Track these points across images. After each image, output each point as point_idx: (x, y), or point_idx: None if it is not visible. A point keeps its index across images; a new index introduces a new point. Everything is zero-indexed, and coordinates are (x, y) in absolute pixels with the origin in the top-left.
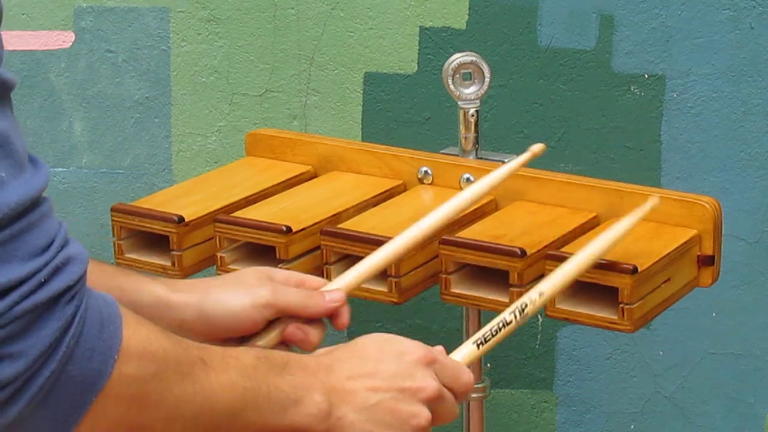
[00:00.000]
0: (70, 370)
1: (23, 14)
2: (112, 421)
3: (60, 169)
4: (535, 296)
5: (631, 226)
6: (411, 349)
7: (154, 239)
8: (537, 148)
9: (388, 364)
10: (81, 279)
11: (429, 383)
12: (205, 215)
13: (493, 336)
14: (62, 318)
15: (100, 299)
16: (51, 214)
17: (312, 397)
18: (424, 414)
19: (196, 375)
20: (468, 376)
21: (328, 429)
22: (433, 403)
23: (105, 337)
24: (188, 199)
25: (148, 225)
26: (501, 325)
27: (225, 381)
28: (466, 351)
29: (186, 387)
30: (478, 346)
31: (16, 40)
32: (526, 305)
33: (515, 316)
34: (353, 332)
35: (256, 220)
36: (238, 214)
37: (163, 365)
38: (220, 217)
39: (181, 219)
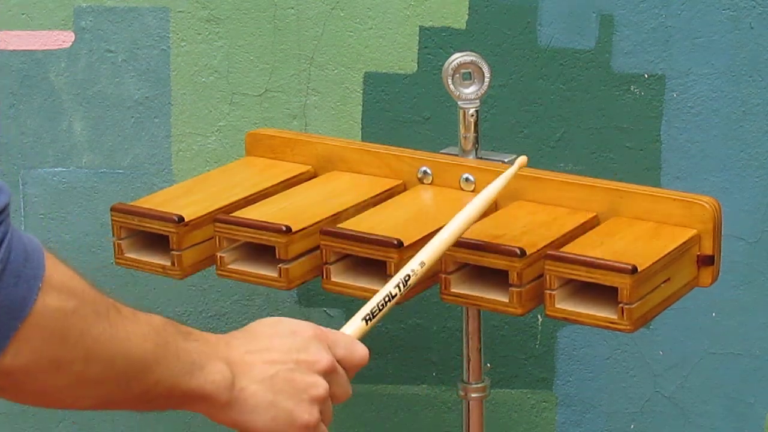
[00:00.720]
0: None
1: (23, 14)
2: (33, 353)
3: (60, 169)
4: (417, 267)
5: (501, 188)
6: (303, 327)
7: (154, 239)
8: (522, 160)
9: (283, 340)
10: (6, 208)
11: (323, 356)
12: (205, 215)
13: (380, 310)
14: None
15: (23, 234)
16: None
17: (216, 365)
18: (321, 384)
19: (112, 319)
20: (363, 349)
21: (231, 399)
22: (328, 375)
23: (30, 266)
24: (188, 199)
25: (148, 225)
26: (387, 299)
27: (138, 331)
28: (356, 326)
29: (103, 328)
30: (366, 321)
31: (16, 40)
32: (410, 276)
33: (399, 289)
34: None
35: (256, 220)
36: (238, 214)
37: (83, 302)
38: (220, 217)
39: (181, 219)
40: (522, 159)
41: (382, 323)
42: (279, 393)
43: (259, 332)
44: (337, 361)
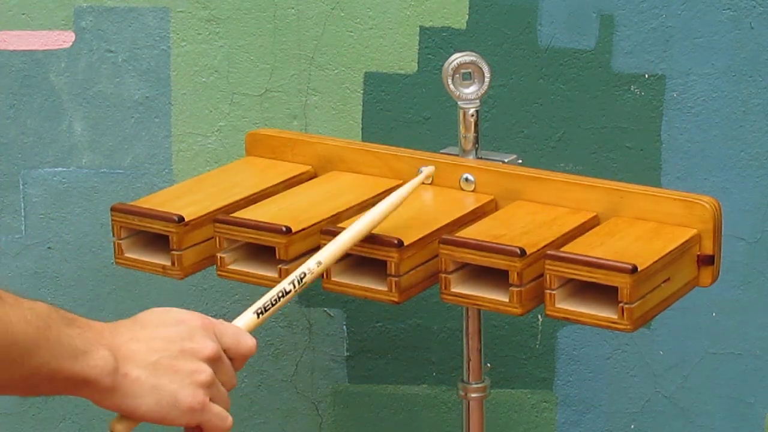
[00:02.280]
0: None
1: (23, 14)
2: None
3: (60, 169)
4: (313, 265)
5: (407, 195)
6: (190, 316)
7: (154, 239)
8: (430, 170)
9: (169, 329)
10: None
11: (208, 344)
12: (205, 215)
13: (272, 305)
14: None
15: None
16: None
17: (98, 351)
18: (206, 370)
19: None
20: (250, 340)
21: (114, 384)
22: (213, 363)
23: None
24: (188, 199)
25: (148, 225)
26: (280, 294)
27: (21, 316)
28: (247, 319)
29: None
30: (258, 315)
31: (16, 40)
32: (305, 274)
33: (294, 286)
34: (354, 332)
35: (256, 221)
36: (238, 214)
37: None
38: (220, 217)
39: (181, 219)
40: (430, 169)
41: (382, 323)
42: (162, 377)
43: (146, 321)
44: (224, 351)
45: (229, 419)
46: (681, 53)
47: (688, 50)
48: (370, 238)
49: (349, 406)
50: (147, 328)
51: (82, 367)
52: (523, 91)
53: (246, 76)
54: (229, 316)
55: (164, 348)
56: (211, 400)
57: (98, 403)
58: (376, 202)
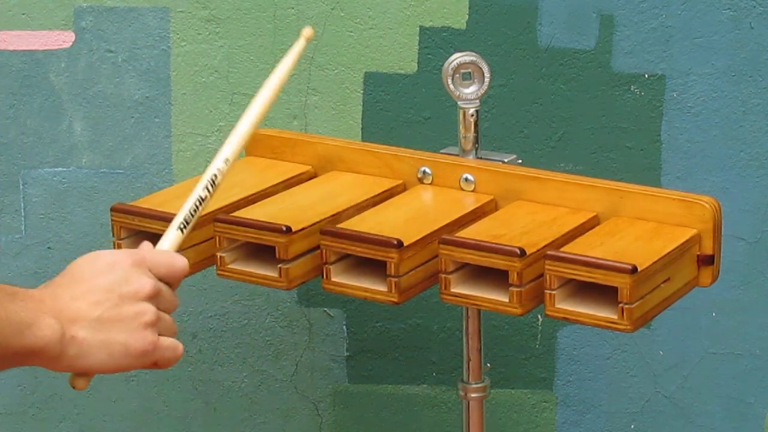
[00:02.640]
0: None
1: (23, 14)
2: None
3: (60, 169)
4: (222, 165)
5: (294, 65)
6: (119, 257)
7: (153, 239)
8: (308, 32)
9: (103, 278)
10: None
11: (145, 282)
12: (205, 215)
13: (192, 216)
14: None
15: None
16: None
17: (44, 320)
18: (149, 309)
19: None
20: (182, 261)
21: (63, 349)
22: (154, 299)
23: None
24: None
25: (148, 225)
26: (198, 202)
27: None
28: (172, 237)
29: None
30: (181, 230)
31: (16, 40)
32: (216, 176)
33: (209, 190)
34: (354, 332)
35: (256, 220)
36: (238, 213)
37: None
38: (220, 217)
39: None
40: (307, 31)
41: (382, 323)
42: (109, 330)
43: (79, 274)
44: (161, 279)
45: (180, 347)
46: (681, 53)
47: (688, 50)
48: (370, 239)
49: (349, 406)
50: (83, 282)
51: (30, 340)
52: (523, 91)
53: (246, 76)
54: (229, 316)
55: (104, 299)
56: (159, 334)
57: (52, 368)
58: (376, 202)
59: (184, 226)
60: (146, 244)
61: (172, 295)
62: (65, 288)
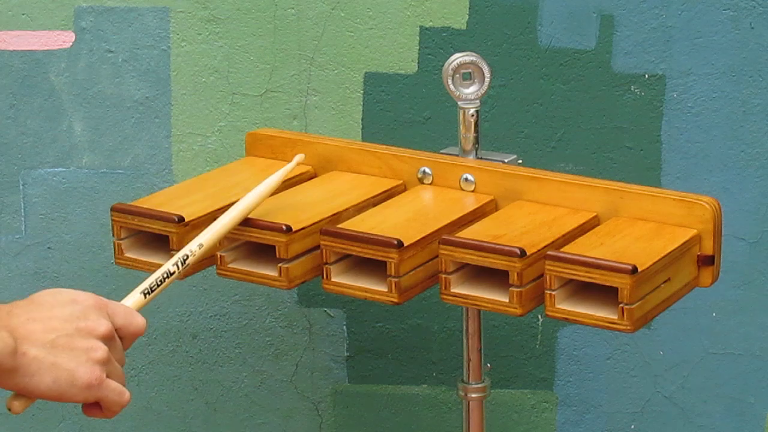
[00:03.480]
0: None
1: (23, 14)
2: None
3: (60, 169)
4: (195, 248)
5: (281, 181)
6: (83, 296)
7: (154, 239)
8: (300, 158)
9: (63, 309)
10: None
11: (102, 323)
12: (205, 215)
13: (158, 286)
14: None
15: None
16: None
17: None
18: (101, 347)
19: None
20: (141, 320)
21: (14, 364)
22: (108, 341)
23: None
24: (188, 199)
25: (148, 225)
26: (165, 275)
27: None
28: (135, 299)
29: None
30: (145, 295)
31: (16, 40)
32: (188, 256)
33: (178, 267)
34: (354, 333)
35: (257, 220)
36: None
37: None
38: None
39: (180, 219)
40: (299, 156)
41: (382, 323)
42: (60, 355)
43: (41, 301)
44: (116, 330)
45: (127, 394)
46: (681, 53)
47: (688, 50)
48: (370, 239)
49: (349, 406)
50: (43, 309)
51: None
52: (523, 91)
53: (246, 76)
54: (229, 316)
55: (60, 327)
56: (107, 376)
57: (1, 384)
58: (376, 202)
59: (149, 293)
60: (109, 300)
61: (122, 349)
62: (23, 309)
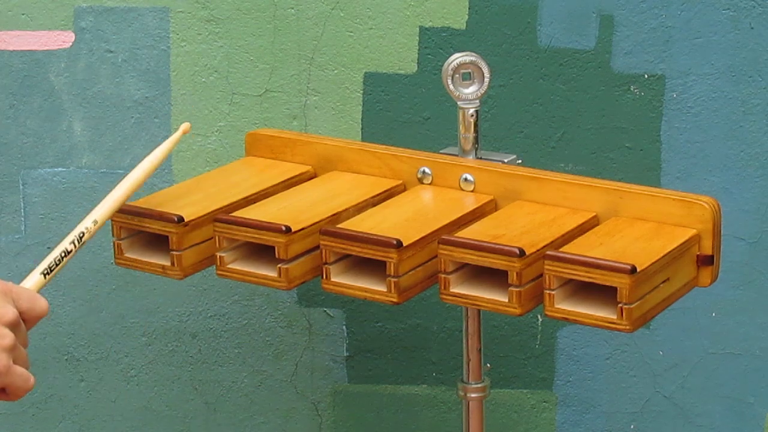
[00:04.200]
0: None
1: (23, 14)
2: None
3: (60, 169)
4: (90, 224)
5: (169, 150)
6: None
7: (154, 239)
8: (185, 126)
9: None
10: None
11: (9, 309)
12: (205, 215)
13: (57, 264)
14: None
15: None
16: None
17: None
18: (7, 334)
19: None
20: (44, 302)
21: None
22: (14, 327)
23: None
24: (188, 199)
25: (147, 225)
26: (63, 254)
27: None
28: (35, 280)
29: None
30: (44, 275)
31: (16, 40)
32: (83, 234)
33: (74, 245)
34: (354, 333)
35: (256, 220)
36: (238, 213)
37: None
38: (220, 216)
39: (180, 219)
40: (184, 125)
41: (382, 323)
42: None
43: None
44: (20, 314)
45: (32, 379)
46: (681, 53)
47: (688, 50)
48: (370, 239)
49: (349, 406)
50: None
51: None
52: (523, 91)
53: (246, 76)
54: (229, 316)
55: None
56: (13, 362)
57: None
58: (376, 202)
59: (48, 272)
60: (11, 283)
61: (26, 334)
62: None
